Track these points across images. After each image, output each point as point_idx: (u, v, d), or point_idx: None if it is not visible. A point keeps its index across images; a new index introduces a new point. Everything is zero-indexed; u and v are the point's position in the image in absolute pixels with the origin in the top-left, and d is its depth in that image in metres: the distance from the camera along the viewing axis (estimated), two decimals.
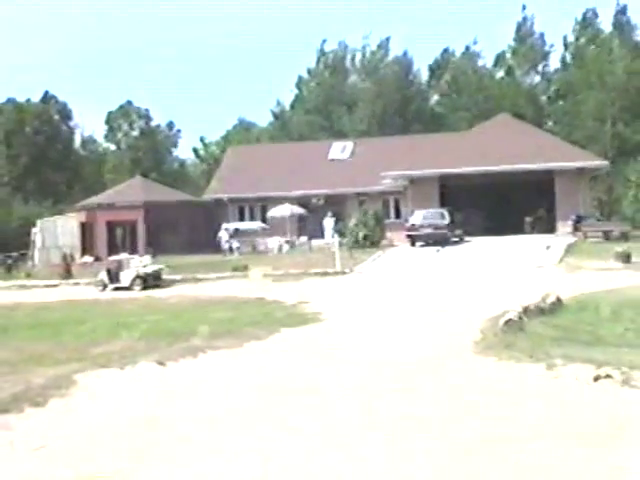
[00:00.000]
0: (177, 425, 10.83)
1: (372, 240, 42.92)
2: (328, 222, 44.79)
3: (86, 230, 48.89)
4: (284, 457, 9.10)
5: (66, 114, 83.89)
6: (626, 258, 31.74)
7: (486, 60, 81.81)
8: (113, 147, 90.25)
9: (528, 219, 45.14)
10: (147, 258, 35.69)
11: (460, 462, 8.68)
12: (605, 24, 77.21)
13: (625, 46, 74.36)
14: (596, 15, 77.50)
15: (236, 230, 47.33)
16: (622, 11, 76.38)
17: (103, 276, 33.45)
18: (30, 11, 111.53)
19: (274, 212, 48.79)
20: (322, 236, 43.49)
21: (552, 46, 79.23)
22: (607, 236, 40.50)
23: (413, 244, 40.76)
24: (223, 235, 45.91)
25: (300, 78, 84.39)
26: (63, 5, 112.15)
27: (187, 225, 47.18)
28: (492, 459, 8.74)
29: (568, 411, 10.87)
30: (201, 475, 8.55)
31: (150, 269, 33.71)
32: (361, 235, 43.22)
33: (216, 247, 45.21)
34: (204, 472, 8.64)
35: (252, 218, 52.00)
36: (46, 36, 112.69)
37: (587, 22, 77.88)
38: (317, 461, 8.87)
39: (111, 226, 48.89)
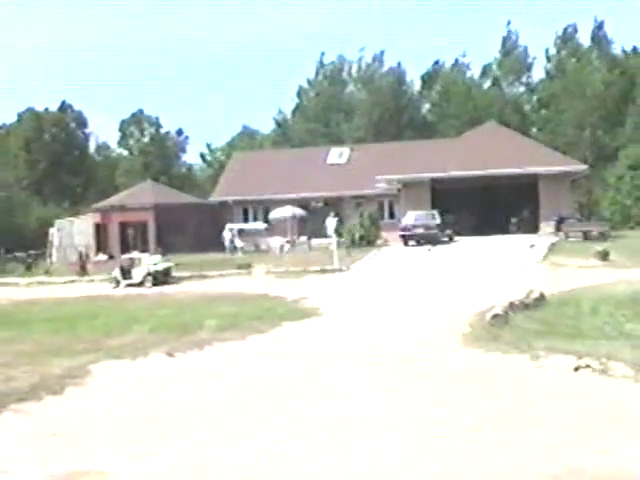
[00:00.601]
0: (185, 411, 10.84)
1: (368, 240, 42.93)
2: (330, 222, 44.75)
3: (100, 230, 48.89)
4: (286, 433, 9.13)
5: (82, 122, 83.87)
6: (605, 256, 31.75)
7: (474, 71, 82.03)
8: (125, 153, 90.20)
9: (513, 220, 45.12)
10: (157, 256, 35.66)
11: (448, 442, 8.71)
12: (584, 38, 77.68)
13: (603, 59, 74.76)
14: (576, 30, 77.91)
15: (240, 230, 47.30)
16: (600, 26, 76.80)
17: (116, 273, 33.44)
18: (49, 26, 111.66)
19: (276, 213, 48.76)
20: (325, 235, 43.36)
21: (535, 59, 79.63)
22: (587, 236, 40.47)
23: (406, 243, 40.75)
24: (227, 235, 45.82)
25: (301, 88, 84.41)
26: (79, 21, 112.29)
27: (194, 225, 47.13)
28: (476, 437, 8.77)
29: (550, 398, 10.90)
30: (205, 455, 8.57)
31: (160, 267, 33.68)
32: (358, 235, 43.25)
33: (221, 246, 45.15)
34: (208, 453, 8.66)
35: (255, 219, 51.94)
36: (63, 49, 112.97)
37: (567, 37, 78.22)
38: (315, 429, 8.90)
39: (123, 226, 48.83)
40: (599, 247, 33.14)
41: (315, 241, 44.06)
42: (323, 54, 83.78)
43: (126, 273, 33.27)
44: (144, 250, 40.44)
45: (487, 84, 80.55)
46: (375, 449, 8.69)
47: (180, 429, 9.88)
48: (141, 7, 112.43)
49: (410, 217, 42.08)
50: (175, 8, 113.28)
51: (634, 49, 75.80)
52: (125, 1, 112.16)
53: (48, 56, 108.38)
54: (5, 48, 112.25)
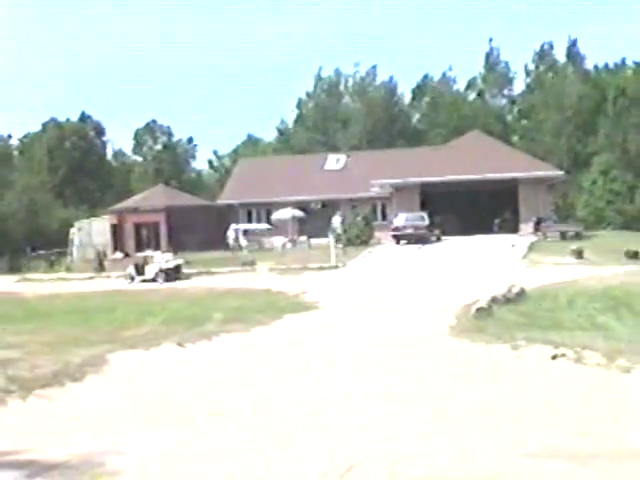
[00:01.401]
0: (194, 396, 10.86)
1: (362, 239, 42.89)
2: (336, 220, 44.64)
3: (116, 230, 48.83)
4: (285, 412, 9.16)
5: (100, 131, 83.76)
6: (579, 254, 31.77)
7: (460, 84, 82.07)
8: (140, 159, 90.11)
9: (496, 221, 45.10)
10: (168, 255, 35.60)
11: (430, 424, 8.73)
12: (560, 55, 77.91)
13: (577, 74, 74.94)
14: (552, 47, 78.13)
15: (245, 231, 47.25)
16: (574, 44, 77.11)
17: (131, 270, 33.40)
18: (69, 44, 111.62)
19: (278, 215, 48.76)
20: (327, 234, 43.19)
21: (516, 73, 79.70)
22: (563, 236, 40.49)
23: (397, 243, 40.72)
24: (231, 234, 45.61)
25: (300, 100, 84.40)
26: (96, 40, 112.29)
27: (203, 226, 47.04)
28: (458, 419, 8.79)
29: (529, 384, 10.93)
30: (214, 434, 8.59)
31: (171, 264, 33.62)
32: (353, 235, 43.26)
33: (227, 245, 45.03)
34: (216, 433, 8.68)
35: (259, 220, 51.91)
36: (83, 64, 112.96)
37: (545, 53, 78.42)
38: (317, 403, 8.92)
39: (138, 227, 48.79)
40: (574, 246, 33.16)
41: (314, 240, 44.04)
42: (321, 68, 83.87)
43: (140, 270, 33.24)
44: (156, 249, 40.41)
45: (472, 96, 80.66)
46: (359, 420, 8.72)
47: (190, 412, 9.90)
48: (155, 26, 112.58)
49: (401, 218, 42.11)
50: (186, 28, 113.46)
51: (605, 65, 76.41)
52: (141, 20, 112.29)
53: (69, 71, 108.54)
54: (30, 64, 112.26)
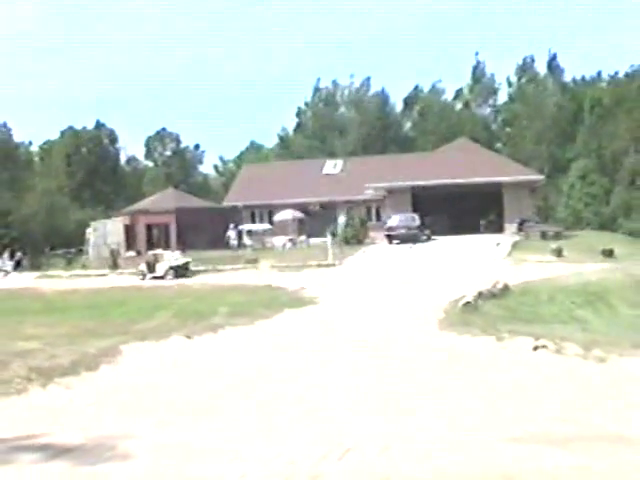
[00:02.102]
0: (202, 384, 10.87)
1: (358, 239, 42.90)
2: (341, 219, 44.52)
3: (129, 230, 48.76)
4: (285, 395, 9.17)
5: (114, 138, 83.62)
6: (559, 253, 31.80)
7: (448, 95, 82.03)
8: (150, 164, 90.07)
9: (482, 222, 45.05)
10: (177, 253, 35.61)
11: (418, 408, 8.74)
12: (540, 67, 78.19)
13: (556, 85, 75.15)
14: (533, 61, 78.43)
15: (249, 231, 47.22)
16: (553, 58, 77.42)
17: (143, 267, 33.40)
18: (86, 57, 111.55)
19: (279, 216, 48.75)
20: (337, 231, 43.06)
21: (500, 84, 79.78)
22: (544, 235, 40.50)
23: (390, 242, 40.72)
24: (231, 234, 45.38)
25: (300, 109, 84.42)
26: (111, 54, 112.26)
27: (209, 226, 46.91)
28: (446, 404, 8.80)
29: (512, 373, 10.94)
30: (222, 419, 8.59)
31: (180, 262, 33.64)
32: (349, 234, 43.27)
33: (238, 245, 44.81)
34: (224, 417, 8.68)
35: (261, 221, 51.87)
36: (98, 77, 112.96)
37: (526, 66, 78.63)
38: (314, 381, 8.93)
39: (149, 227, 48.73)
40: (554, 245, 33.21)
41: (313, 240, 44.04)
42: (319, 80, 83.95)
43: (151, 267, 33.24)
44: (166, 248, 40.37)
45: (459, 106, 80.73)
46: (353, 406, 8.73)
47: (198, 399, 9.90)
48: (165, 43, 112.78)
49: (394, 219, 42.12)
50: (194, 44, 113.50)
51: (582, 78, 76.61)
52: (151, 37, 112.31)
53: (85, 83, 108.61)
54: (49, 77, 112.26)
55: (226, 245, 43.82)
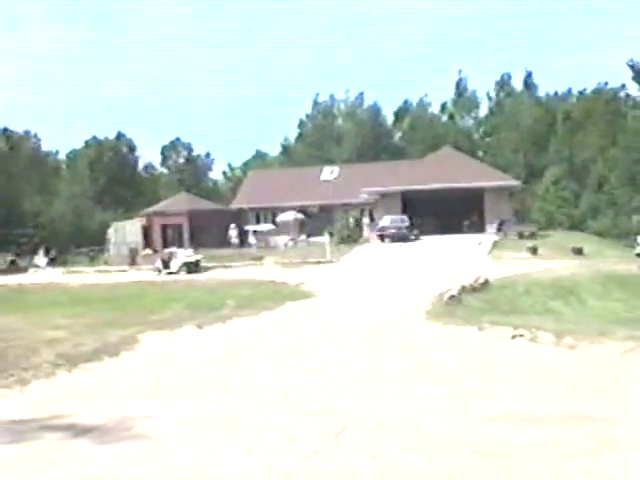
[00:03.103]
0: (213, 368, 10.87)
1: (353, 238, 42.96)
2: (350, 220, 44.34)
3: (146, 231, 48.67)
4: (290, 376, 9.18)
5: (132, 147, 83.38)
6: (534, 251, 31.80)
7: (434, 108, 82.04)
8: (165, 171, 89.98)
9: (465, 223, 45.03)
10: (190, 251, 35.52)
11: (403, 388, 8.75)
12: (517, 84, 78.47)
13: (531, 100, 75.27)
14: (510, 77, 78.82)
15: (255, 231, 47.17)
16: (529, 75, 77.86)
17: (158, 264, 33.30)
18: (108, 74, 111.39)
19: (281, 217, 48.68)
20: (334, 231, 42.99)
21: (481, 99, 79.95)
22: (521, 235, 40.48)
23: (382, 241, 40.72)
24: (232, 233, 44.99)
25: (301, 120, 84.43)
26: (130, 71, 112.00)
27: (218, 227, 46.84)
28: (428, 386, 8.81)
29: (492, 359, 10.95)
30: (230, 400, 8.60)
31: (192, 259, 33.54)
32: (345, 234, 43.29)
33: (239, 243, 44.70)
34: (232, 399, 8.68)
35: (265, 222, 51.70)
36: (118, 92, 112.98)
37: (504, 82, 78.90)
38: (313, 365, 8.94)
39: (164, 228, 48.63)
40: (530, 244, 33.22)
41: (312, 239, 44.02)
42: (317, 95, 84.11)
43: (166, 264, 33.15)
44: (180, 246, 40.31)
45: (444, 118, 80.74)
46: (349, 388, 8.74)
47: (209, 382, 9.90)
48: (176, 62, 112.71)
49: (386, 220, 42.13)
50: (203, 61, 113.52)
51: (555, 93, 76.84)
52: (165, 55, 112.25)
53: (107, 97, 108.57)
54: (74, 91, 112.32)
55: (228, 244, 43.49)
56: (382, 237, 40.95)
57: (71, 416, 8.25)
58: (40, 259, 38.59)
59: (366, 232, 45.21)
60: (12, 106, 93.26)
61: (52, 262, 38.35)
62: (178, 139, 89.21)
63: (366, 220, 44.52)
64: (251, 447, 6.78)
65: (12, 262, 39.83)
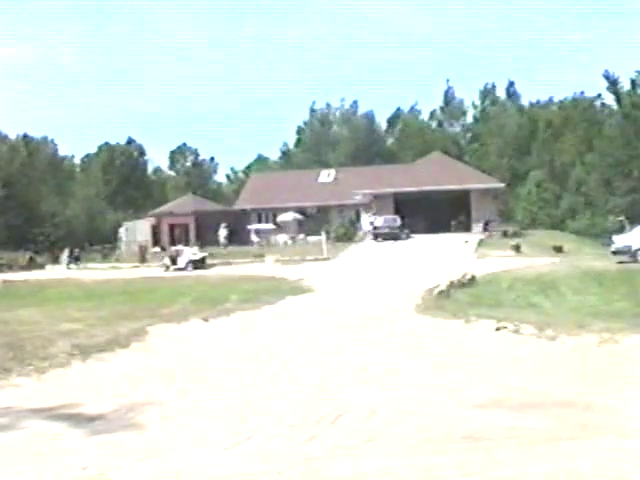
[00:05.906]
0: (218, 358, 10.86)
1: (349, 237, 42.98)
2: (363, 219, 44.19)
3: (155, 230, 48.71)
4: (288, 363, 9.17)
5: (142, 152, 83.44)
6: (517, 249, 31.85)
7: (424, 115, 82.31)
8: (173, 174, 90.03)
9: (453, 222, 45.07)
10: (196, 249, 35.52)
11: (400, 375, 8.74)
12: (500, 92, 78.89)
13: (515, 108, 75.49)
14: (494, 87, 79.31)
15: (257, 230, 47.14)
16: (512, 84, 78.41)
17: (166, 261, 33.30)
18: (118, 84, 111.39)
19: (282, 217, 48.72)
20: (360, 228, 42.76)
21: (467, 107, 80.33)
22: (505, 234, 40.57)
23: (376, 239, 40.76)
24: (221, 232, 44.02)
25: (299, 127, 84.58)
26: (140, 81, 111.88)
27: (223, 226, 46.83)
28: (424, 370, 8.80)
29: (478, 348, 10.96)
30: (235, 387, 8.58)
31: (198, 256, 33.53)
32: (341, 233, 43.31)
33: (239, 242, 43.98)
34: (237, 387, 8.67)
35: (267, 221, 51.72)
36: (129, 101, 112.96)
37: (488, 91, 79.22)
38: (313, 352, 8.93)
39: (172, 227, 48.63)
40: (513, 242, 33.28)
41: (310, 238, 44.02)
42: (314, 103, 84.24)
43: (173, 261, 33.15)
44: (186, 244, 40.29)
45: (434, 125, 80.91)
46: (343, 377, 8.75)
47: (215, 371, 9.90)
48: (183, 73, 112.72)
49: (379, 220, 42.20)
50: (207, 72, 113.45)
51: (537, 101, 77.08)
52: (171, 71, 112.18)
53: (119, 106, 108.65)
54: (88, 100, 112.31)
55: (217, 243, 42.15)
56: (375, 236, 40.99)
57: (84, 403, 8.24)
58: (65, 259, 38.77)
59: (364, 230, 44.97)
60: (31, 114, 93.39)
61: (76, 261, 38.57)
62: (185, 144, 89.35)
63: (371, 218, 44.16)
64: (250, 433, 6.77)
65: (31, 259, 39.92)
